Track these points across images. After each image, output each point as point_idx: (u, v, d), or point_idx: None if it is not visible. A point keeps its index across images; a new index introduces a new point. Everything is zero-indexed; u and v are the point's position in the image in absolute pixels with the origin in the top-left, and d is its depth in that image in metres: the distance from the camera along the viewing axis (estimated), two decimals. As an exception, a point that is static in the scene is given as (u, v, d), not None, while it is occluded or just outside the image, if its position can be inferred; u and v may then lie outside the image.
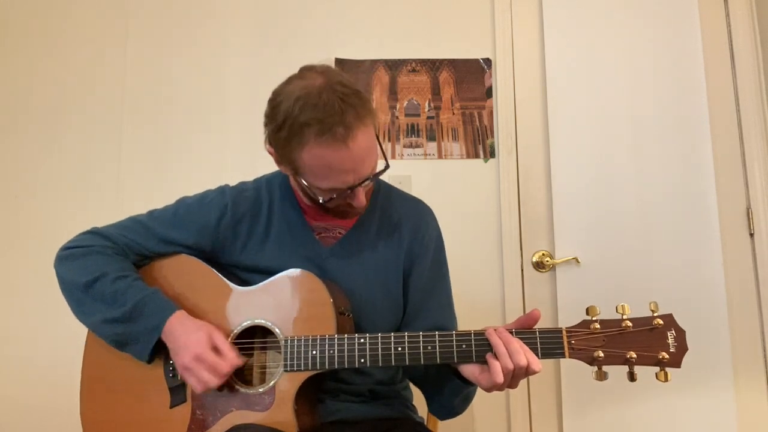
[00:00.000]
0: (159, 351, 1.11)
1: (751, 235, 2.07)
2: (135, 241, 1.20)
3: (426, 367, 1.19)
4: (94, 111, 2.17)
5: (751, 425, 1.96)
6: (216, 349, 1.06)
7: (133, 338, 1.11)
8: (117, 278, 1.13)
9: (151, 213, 1.25)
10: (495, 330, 1.01)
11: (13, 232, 2.10)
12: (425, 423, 1.31)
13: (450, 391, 1.15)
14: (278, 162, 1.14)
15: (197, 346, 1.05)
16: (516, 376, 0.99)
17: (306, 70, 1.09)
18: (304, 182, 1.11)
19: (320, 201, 1.11)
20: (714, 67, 2.15)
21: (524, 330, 1.02)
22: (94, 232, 1.22)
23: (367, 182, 1.10)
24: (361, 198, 1.11)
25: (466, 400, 1.17)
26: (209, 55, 2.21)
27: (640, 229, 2.06)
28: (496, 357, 0.99)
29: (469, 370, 1.04)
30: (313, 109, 1.01)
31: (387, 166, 1.14)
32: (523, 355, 0.98)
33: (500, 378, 0.98)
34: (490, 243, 2.10)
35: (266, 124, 1.10)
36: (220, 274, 1.18)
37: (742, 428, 1.95)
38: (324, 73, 1.07)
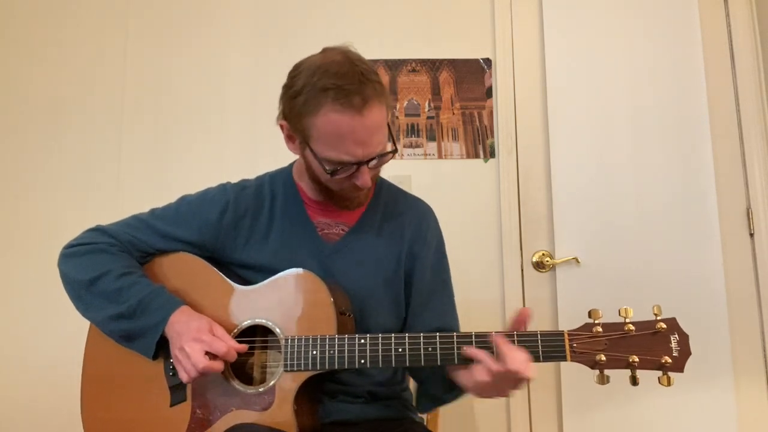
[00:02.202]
0: (163, 348, 1.11)
1: (751, 235, 2.07)
2: (138, 238, 1.20)
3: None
4: (94, 111, 2.17)
5: (751, 425, 1.96)
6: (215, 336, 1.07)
7: (139, 333, 1.11)
8: (121, 275, 1.13)
9: (153, 211, 1.26)
10: (495, 333, 1.00)
11: (13, 232, 2.09)
12: (425, 423, 1.30)
13: (438, 383, 1.14)
14: (288, 136, 1.15)
15: (197, 331, 1.06)
16: (505, 379, 0.97)
17: (327, 49, 1.12)
18: (311, 154, 1.11)
19: (326, 170, 1.10)
20: (714, 67, 2.15)
21: (525, 334, 1.00)
22: (97, 230, 1.22)
23: (374, 161, 1.10)
24: (366, 178, 1.11)
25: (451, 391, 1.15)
26: (209, 55, 2.21)
27: (640, 229, 2.06)
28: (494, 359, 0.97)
29: (461, 374, 1.03)
30: (334, 76, 1.03)
31: (395, 150, 1.14)
32: (516, 359, 0.95)
33: (480, 376, 0.97)
34: (490, 243, 2.10)
35: (283, 95, 1.11)
36: (221, 273, 1.18)
37: (742, 428, 1.94)
38: (345, 52, 1.09)
